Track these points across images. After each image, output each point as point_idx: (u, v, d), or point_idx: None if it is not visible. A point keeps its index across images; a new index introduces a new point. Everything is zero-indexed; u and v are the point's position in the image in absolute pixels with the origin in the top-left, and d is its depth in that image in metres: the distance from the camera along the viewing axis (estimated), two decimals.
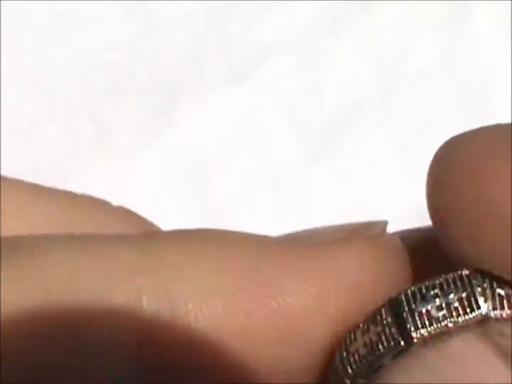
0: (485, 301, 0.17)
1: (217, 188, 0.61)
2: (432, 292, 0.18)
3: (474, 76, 0.64)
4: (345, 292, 0.18)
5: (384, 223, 0.20)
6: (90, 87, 0.61)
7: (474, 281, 0.18)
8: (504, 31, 0.63)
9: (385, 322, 0.18)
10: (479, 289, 0.18)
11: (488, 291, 0.18)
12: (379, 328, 0.18)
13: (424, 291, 0.18)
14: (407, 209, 0.63)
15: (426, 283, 0.18)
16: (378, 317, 0.18)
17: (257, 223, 0.61)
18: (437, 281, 0.18)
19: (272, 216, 0.61)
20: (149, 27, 0.63)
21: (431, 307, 0.17)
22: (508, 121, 0.61)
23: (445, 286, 0.18)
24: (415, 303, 0.18)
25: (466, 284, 0.18)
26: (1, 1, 0.61)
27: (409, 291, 0.18)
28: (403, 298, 0.18)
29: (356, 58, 0.64)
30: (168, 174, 0.62)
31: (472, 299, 0.17)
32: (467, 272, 0.18)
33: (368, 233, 0.19)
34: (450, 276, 0.18)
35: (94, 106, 0.62)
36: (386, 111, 0.63)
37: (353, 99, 0.63)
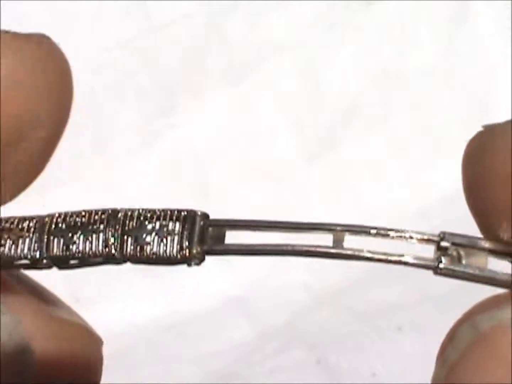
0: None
1: (217, 188, 0.62)
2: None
3: (474, 76, 0.64)
4: None
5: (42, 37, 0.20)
6: (90, 87, 0.61)
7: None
8: (504, 31, 0.63)
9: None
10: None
11: None
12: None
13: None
14: (407, 209, 0.63)
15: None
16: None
17: None
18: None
19: (272, 215, 0.61)
20: (149, 27, 0.63)
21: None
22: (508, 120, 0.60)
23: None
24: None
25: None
26: (1, 1, 0.61)
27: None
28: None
29: (356, 58, 0.64)
30: (168, 174, 0.62)
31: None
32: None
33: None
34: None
35: (93, 106, 0.62)
36: (386, 111, 0.63)
37: (352, 99, 0.63)
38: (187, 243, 0.19)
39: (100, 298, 0.57)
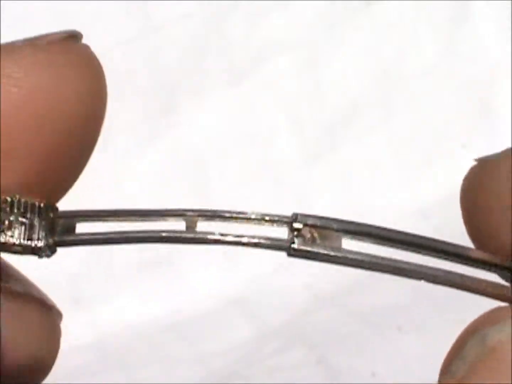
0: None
1: (217, 188, 0.62)
2: None
3: (474, 76, 0.64)
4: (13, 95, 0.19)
5: (72, 33, 0.20)
6: None
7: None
8: (504, 31, 0.63)
9: None
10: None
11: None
12: None
13: None
14: (406, 209, 0.63)
15: None
16: None
17: None
18: None
19: None
20: (149, 27, 0.63)
21: None
22: (507, 120, 0.61)
23: None
24: None
25: None
26: (1, 1, 0.61)
27: None
28: None
29: (356, 58, 0.64)
30: (168, 173, 0.62)
31: None
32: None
33: (41, 41, 0.20)
34: None
35: None
36: (386, 111, 0.63)
37: (353, 99, 0.63)
38: (37, 235, 0.19)
39: (100, 298, 0.57)
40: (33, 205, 0.19)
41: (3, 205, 0.19)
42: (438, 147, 0.62)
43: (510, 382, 0.17)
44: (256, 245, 0.19)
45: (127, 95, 0.62)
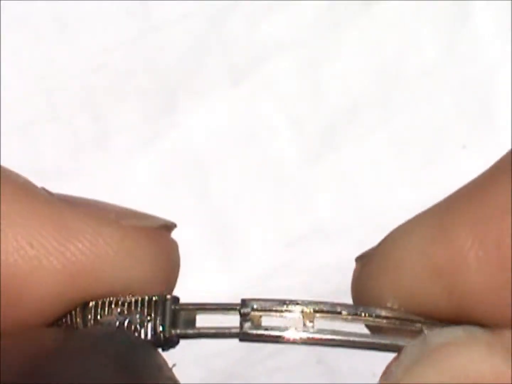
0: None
1: (217, 188, 0.62)
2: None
3: (474, 76, 0.64)
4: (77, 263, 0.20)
5: (164, 223, 0.22)
6: (90, 87, 0.61)
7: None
8: (504, 31, 0.63)
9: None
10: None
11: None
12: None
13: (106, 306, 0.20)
14: (407, 209, 0.63)
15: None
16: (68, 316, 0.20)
17: (257, 222, 0.61)
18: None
19: (272, 215, 0.61)
20: (149, 27, 0.63)
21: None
22: (507, 120, 0.61)
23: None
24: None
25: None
26: (1, 1, 0.61)
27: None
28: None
29: (356, 58, 0.64)
30: (168, 174, 0.62)
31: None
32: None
33: (132, 222, 0.21)
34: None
35: (93, 106, 0.62)
36: (386, 111, 0.63)
37: (353, 99, 0.63)
38: (160, 329, 0.20)
39: None
40: (151, 298, 0.20)
41: (126, 302, 0.20)
42: (438, 147, 0.62)
43: (448, 382, 0.17)
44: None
45: (127, 95, 0.62)
